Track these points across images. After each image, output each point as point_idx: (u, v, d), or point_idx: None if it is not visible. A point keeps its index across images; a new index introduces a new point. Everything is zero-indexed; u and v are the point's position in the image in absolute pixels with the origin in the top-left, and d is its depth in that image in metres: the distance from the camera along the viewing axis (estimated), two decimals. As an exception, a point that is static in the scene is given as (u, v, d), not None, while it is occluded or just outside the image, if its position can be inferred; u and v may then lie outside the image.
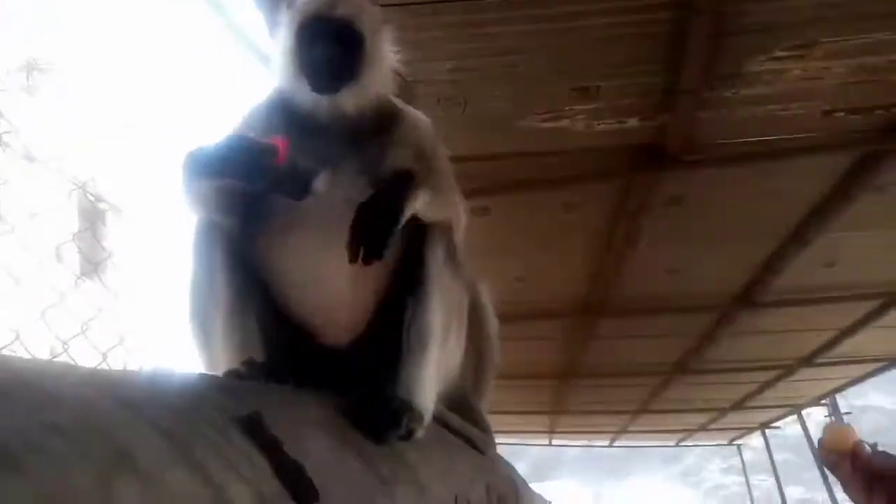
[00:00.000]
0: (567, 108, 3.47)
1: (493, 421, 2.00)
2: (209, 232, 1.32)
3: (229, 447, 0.66)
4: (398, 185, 1.23)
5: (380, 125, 1.48)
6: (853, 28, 2.92)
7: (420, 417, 1.24)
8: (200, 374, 0.93)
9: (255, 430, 0.71)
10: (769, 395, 9.02)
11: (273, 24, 2.82)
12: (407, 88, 3.25)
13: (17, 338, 1.66)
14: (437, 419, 1.52)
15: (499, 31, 2.94)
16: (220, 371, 1.22)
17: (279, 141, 1.18)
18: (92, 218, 6.53)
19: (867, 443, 1.76)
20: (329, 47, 1.36)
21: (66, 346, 1.69)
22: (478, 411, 1.89)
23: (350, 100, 1.41)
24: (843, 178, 4.02)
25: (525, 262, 5.09)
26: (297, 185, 1.21)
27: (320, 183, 1.28)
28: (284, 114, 1.46)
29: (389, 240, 1.16)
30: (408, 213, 1.22)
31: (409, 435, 1.21)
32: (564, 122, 3.59)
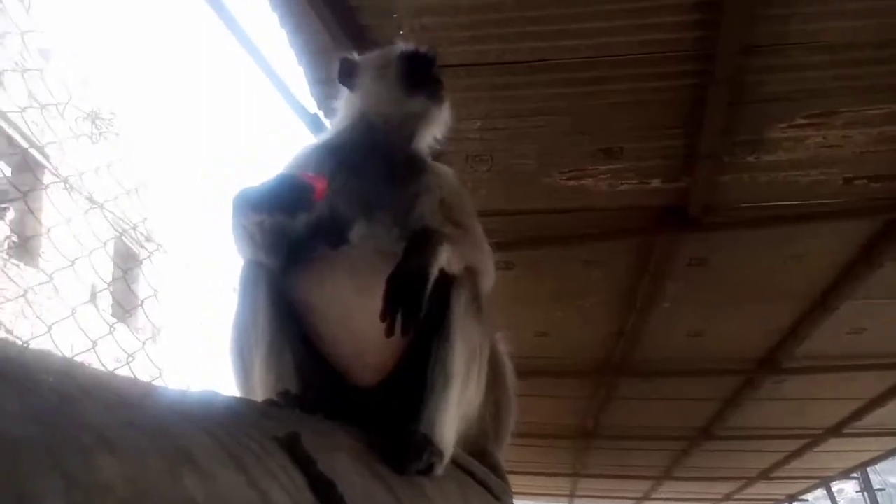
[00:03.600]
0: (591, 168, 3.58)
1: (512, 481, 2.03)
2: (254, 272, 1.43)
3: (270, 459, 0.73)
4: (422, 248, 1.33)
5: (411, 173, 1.64)
6: (872, 98, 3.01)
7: (440, 453, 1.29)
8: (243, 399, 1.00)
9: (292, 447, 0.78)
10: (796, 466, 8.76)
11: (318, 78, 2.99)
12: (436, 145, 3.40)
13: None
14: (456, 462, 1.57)
15: (527, 94, 3.08)
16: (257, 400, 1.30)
17: (318, 179, 1.32)
18: (136, 258, 6.80)
19: None
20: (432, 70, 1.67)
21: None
22: (496, 459, 1.92)
23: (430, 112, 1.67)
24: (866, 244, 4.04)
25: (547, 317, 5.12)
26: (335, 233, 1.33)
27: (355, 233, 1.40)
28: (333, 154, 1.64)
29: (422, 306, 1.27)
30: (434, 275, 1.33)
31: (429, 469, 1.26)
32: (588, 181, 3.68)
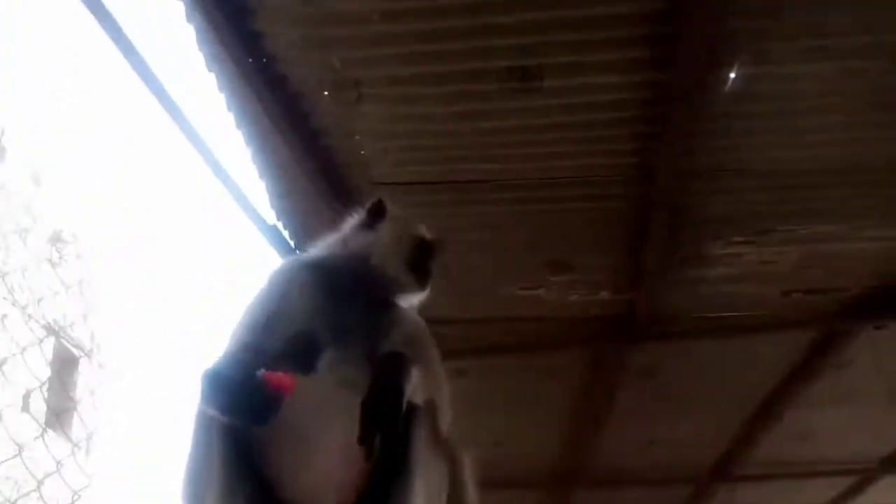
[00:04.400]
0: (542, 279, 3.68)
1: None
2: (207, 416, 1.41)
3: None
4: (394, 370, 1.35)
5: (383, 311, 1.76)
6: (801, 220, 3.22)
7: None
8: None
9: None
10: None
11: (279, 191, 3.04)
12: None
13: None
14: None
15: (479, 210, 3.20)
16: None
17: (286, 378, 1.33)
18: (66, 366, 6.55)
19: None
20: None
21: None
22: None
23: (414, 291, 1.87)
24: (806, 354, 4.20)
25: (501, 426, 5.05)
26: (305, 360, 1.35)
27: (325, 361, 1.42)
28: (320, 273, 1.73)
29: (399, 426, 1.30)
30: (407, 395, 1.35)
31: None
32: (540, 291, 3.78)
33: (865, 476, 5.70)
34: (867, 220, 3.20)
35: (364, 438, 1.24)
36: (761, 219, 3.21)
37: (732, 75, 2.43)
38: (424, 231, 1.96)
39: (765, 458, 5.34)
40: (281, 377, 1.35)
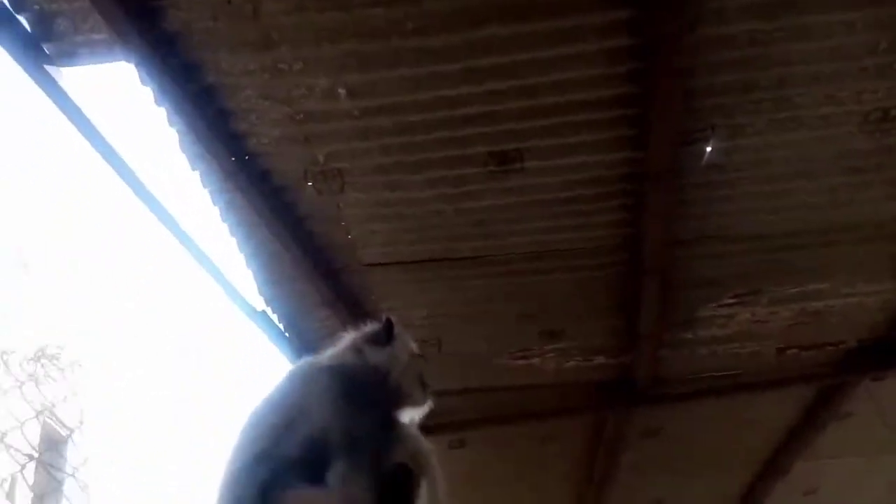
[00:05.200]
0: (537, 349, 3.67)
1: None
2: None
3: None
4: (404, 486, 1.36)
5: (392, 427, 1.81)
6: (789, 279, 3.23)
7: None
8: None
9: None
10: None
11: (268, 279, 3.06)
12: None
13: None
14: None
15: (472, 284, 3.20)
16: None
17: None
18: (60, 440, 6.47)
19: None
20: None
21: None
22: None
23: (425, 401, 1.94)
24: (808, 408, 4.17)
25: (504, 494, 4.97)
26: (316, 468, 1.38)
27: (333, 474, 1.44)
28: (337, 381, 1.75)
29: None
30: None
31: None
32: (535, 361, 3.77)
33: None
34: (856, 276, 3.21)
35: None
36: (749, 280, 3.22)
37: (709, 149, 2.47)
38: (415, 348, 2.03)
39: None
40: None
